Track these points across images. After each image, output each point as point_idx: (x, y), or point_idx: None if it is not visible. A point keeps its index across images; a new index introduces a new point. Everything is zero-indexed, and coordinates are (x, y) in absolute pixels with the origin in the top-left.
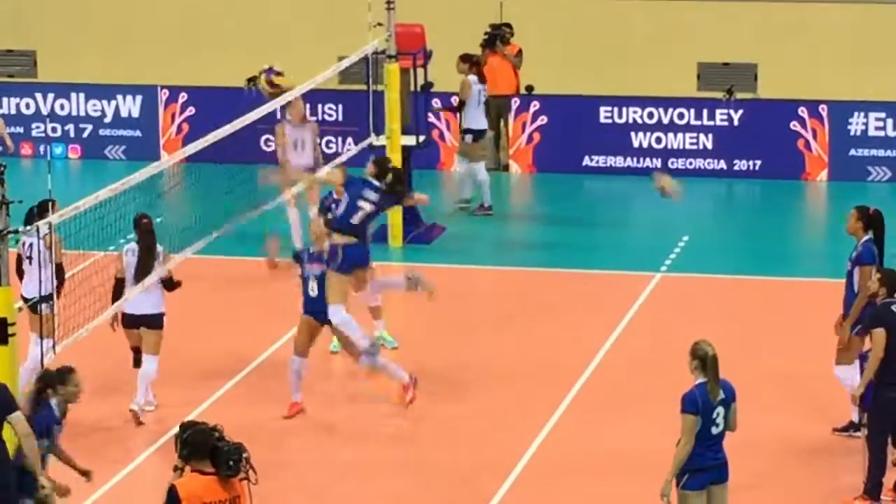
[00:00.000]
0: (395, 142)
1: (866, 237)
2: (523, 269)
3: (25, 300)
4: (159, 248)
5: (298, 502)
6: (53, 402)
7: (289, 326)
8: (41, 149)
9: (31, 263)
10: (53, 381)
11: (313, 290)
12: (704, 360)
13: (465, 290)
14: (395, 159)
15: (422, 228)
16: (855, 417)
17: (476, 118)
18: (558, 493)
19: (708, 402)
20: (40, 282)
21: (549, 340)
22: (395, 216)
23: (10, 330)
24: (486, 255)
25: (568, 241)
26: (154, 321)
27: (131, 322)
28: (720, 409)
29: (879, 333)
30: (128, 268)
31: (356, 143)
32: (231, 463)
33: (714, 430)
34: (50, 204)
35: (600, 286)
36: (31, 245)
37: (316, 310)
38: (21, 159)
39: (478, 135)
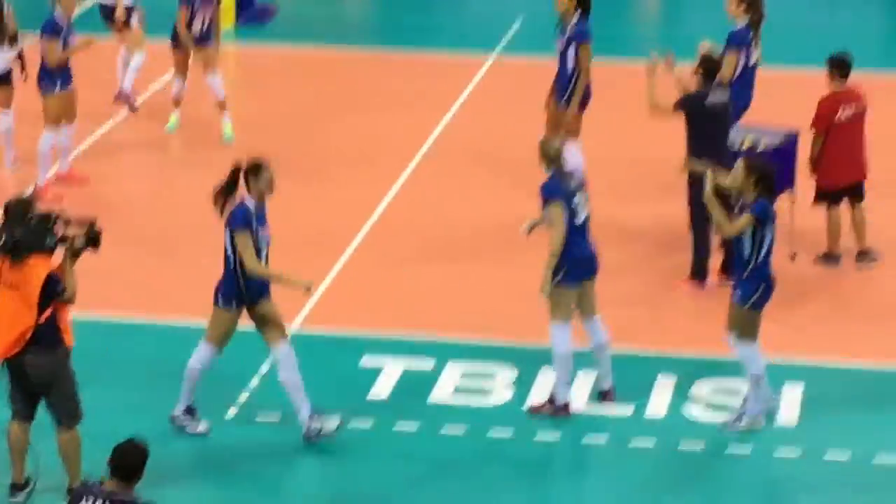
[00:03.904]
0: None
1: (578, 15)
2: (357, 51)
3: None
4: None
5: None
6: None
7: None
8: None
9: None
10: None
11: None
12: (548, 156)
13: (299, 72)
14: None
15: (255, 9)
16: None
17: None
18: (391, 274)
19: (566, 190)
20: None
21: (380, 124)
22: None
23: None
24: (321, 35)
25: (400, 22)
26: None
27: None
28: (578, 197)
29: (680, 115)
30: None
31: None
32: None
33: (578, 220)
34: None
35: (433, 69)
36: None
37: None
38: None
39: None
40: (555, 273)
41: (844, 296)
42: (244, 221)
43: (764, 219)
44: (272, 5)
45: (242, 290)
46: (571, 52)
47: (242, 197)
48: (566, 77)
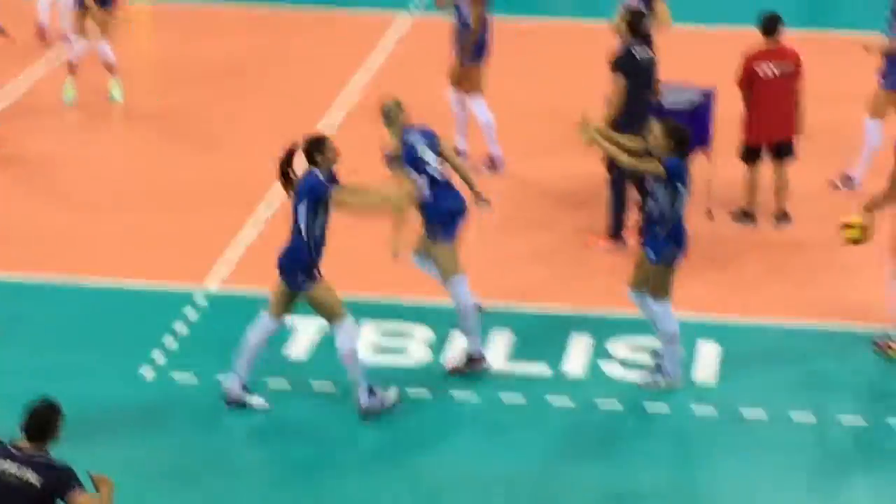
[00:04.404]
0: None
1: None
2: (265, 7)
3: None
4: None
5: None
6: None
7: None
8: None
9: None
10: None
11: None
12: (386, 117)
13: (213, 31)
14: None
15: None
16: (495, 151)
17: None
18: None
19: (411, 150)
20: None
21: (287, 84)
22: None
23: None
24: None
25: None
26: None
27: None
28: (429, 154)
29: (620, 82)
30: None
31: None
32: None
33: (438, 177)
34: None
35: (345, 28)
36: None
37: None
38: None
39: None
40: (434, 233)
41: (761, 254)
42: (324, 186)
43: (675, 175)
44: None
45: (315, 258)
46: (464, 5)
47: (307, 170)
48: (463, 34)
